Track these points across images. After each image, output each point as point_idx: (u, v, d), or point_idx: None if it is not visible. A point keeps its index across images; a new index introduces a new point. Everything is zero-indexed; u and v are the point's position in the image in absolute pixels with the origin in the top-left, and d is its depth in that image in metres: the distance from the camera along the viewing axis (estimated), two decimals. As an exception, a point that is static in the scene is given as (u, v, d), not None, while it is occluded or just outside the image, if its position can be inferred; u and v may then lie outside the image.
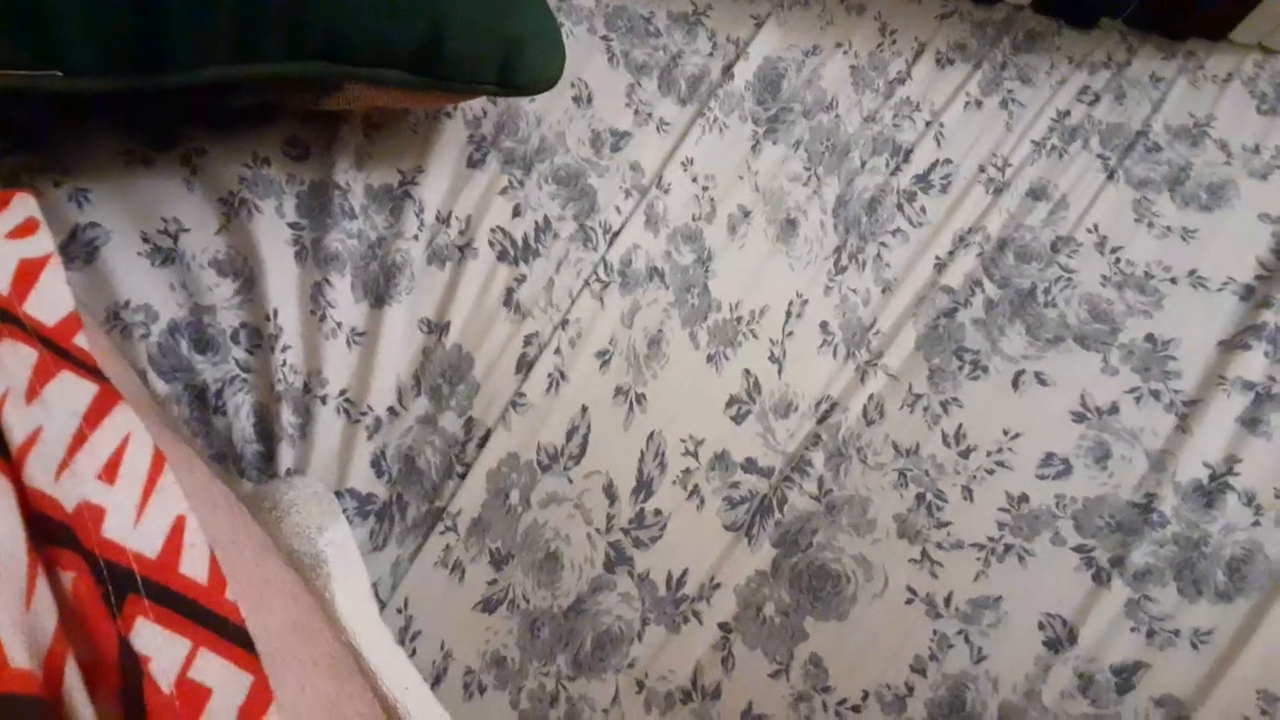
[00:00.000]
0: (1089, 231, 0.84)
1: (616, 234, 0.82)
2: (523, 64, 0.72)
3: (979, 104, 0.93)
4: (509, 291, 0.78)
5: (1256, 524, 0.72)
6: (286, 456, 0.73)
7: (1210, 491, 0.73)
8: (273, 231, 0.76)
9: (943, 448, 0.77)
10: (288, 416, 0.73)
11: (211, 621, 0.41)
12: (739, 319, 0.82)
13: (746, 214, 0.85)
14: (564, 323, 0.78)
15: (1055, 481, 0.75)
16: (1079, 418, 0.77)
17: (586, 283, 0.80)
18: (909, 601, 0.72)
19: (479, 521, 0.74)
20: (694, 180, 0.86)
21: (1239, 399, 0.77)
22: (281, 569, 0.53)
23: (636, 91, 0.89)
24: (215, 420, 0.73)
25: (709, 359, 0.80)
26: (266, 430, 0.73)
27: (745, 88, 0.92)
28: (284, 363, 0.73)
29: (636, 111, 0.88)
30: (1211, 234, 0.84)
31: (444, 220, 0.79)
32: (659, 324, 0.80)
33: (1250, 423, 0.76)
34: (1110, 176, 0.89)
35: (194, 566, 0.42)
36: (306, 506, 0.66)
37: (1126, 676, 0.68)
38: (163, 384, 0.72)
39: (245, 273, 0.75)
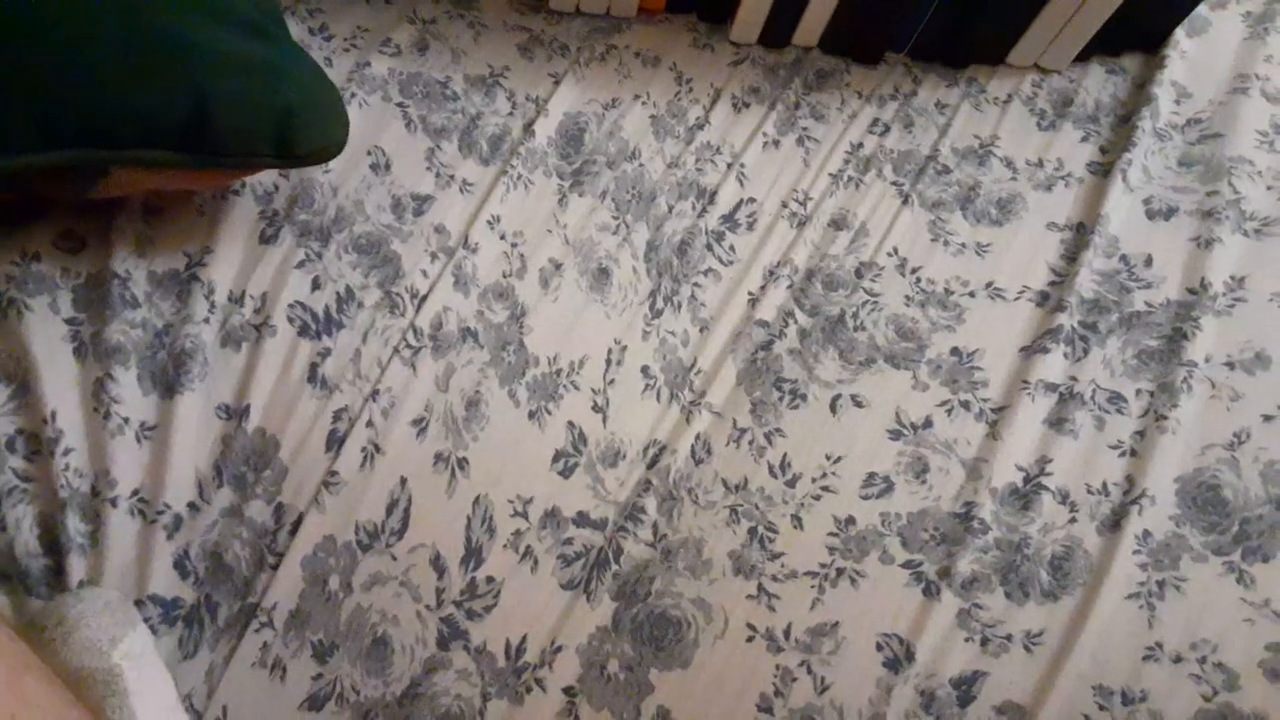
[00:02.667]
0: (889, 255, 0.86)
1: (424, 298, 0.81)
2: (299, 133, 0.70)
3: (776, 143, 0.96)
4: (313, 367, 0.75)
5: (1073, 520, 0.74)
6: (77, 568, 0.68)
7: (1025, 494, 0.75)
8: (46, 329, 0.72)
9: (770, 479, 0.77)
10: (75, 524, 0.68)
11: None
12: (558, 371, 0.80)
13: (558, 266, 0.85)
14: (374, 393, 0.75)
15: (879, 500, 0.75)
16: (895, 435, 0.78)
17: (396, 350, 0.77)
18: (749, 639, 0.71)
19: (297, 614, 0.70)
20: (502, 238, 0.85)
21: (1043, 401, 0.79)
22: (43, 688, 0.48)
23: (437, 155, 0.88)
24: (-6, 537, 0.67)
25: (531, 415, 0.78)
26: (53, 541, 0.68)
27: (548, 144, 0.92)
28: (66, 467, 0.68)
29: (438, 175, 0.87)
30: (1004, 246, 0.87)
31: (237, 300, 0.76)
32: (476, 385, 0.78)
33: (1056, 423, 0.78)
34: (905, 201, 0.92)
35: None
36: (97, 619, 0.61)
37: (966, 688, 0.68)
38: (-70, 504, 0.66)
39: (19, 376, 0.70)
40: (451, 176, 0.88)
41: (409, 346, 0.78)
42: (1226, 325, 0.82)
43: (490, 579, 0.74)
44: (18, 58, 0.60)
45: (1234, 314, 0.83)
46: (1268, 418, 0.76)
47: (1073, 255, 0.88)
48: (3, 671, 0.45)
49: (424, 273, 0.82)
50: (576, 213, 0.89)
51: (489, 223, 0.86)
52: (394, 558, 0.73)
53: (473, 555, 0.74)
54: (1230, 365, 0.80)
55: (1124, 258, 0.88)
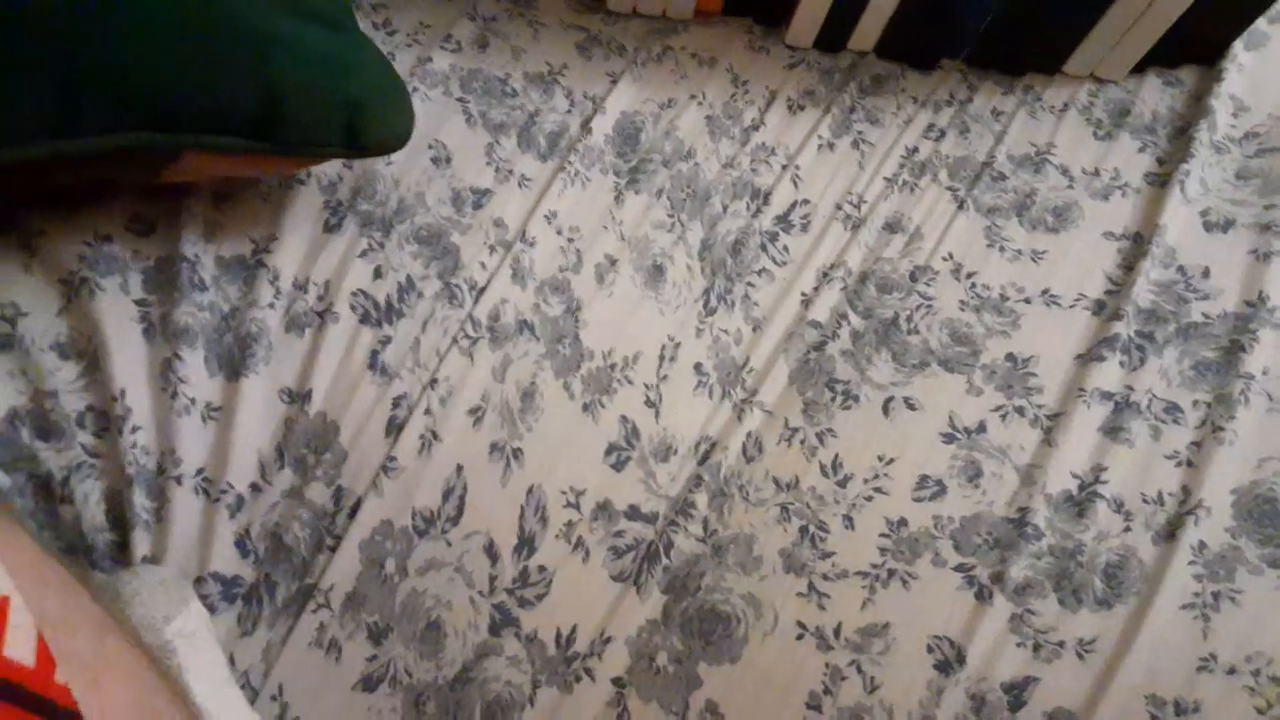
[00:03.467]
0: (944, 260, 0.86)
1: (483, 289, 0.81)
2: (368, 125, 0.71)
3: (831, 146, 0.96)
4: (373, 354, 0.76)
5: (1128, 529, 0.73)
6: (142, 543, 0.69)
7: (1080, 501, 0.75)
8: (117, 309, 0.73)
9: (821, 479, 0.77)
10: (141, 501, 0.69)
11: (39, 705, 0.38)
12: (612, 366, 0.81)
13: (613, 263, 0.85)
14: (433, 382, 0.76)
15: (931, 503, 0.75)
16: (949, 438, 0.78)
17: (454, 340, 0.78)
18: (799, 636, 0.71)
19: (353, 596, 0.71)
20: (559, 233, 0.86)
21: (1099, 409, 0.78)
22: (123, 648, 0.50)
23: (496, 150, 0.89)
24: (63, 510, 0.69)
25: (585, 408, 0.79)
26: (119, 517, 0.70)
27: (605, 141, 0.93)
28: (134, 444, 0.70)
29: (497, 169, 0.88)
30: (1060, 254, 0.86)
31: (301, 287, 0.77)
32: (531, 376, 0.79)
33: (1112, 431, 0.78)
34: (960, 206, 0.92)
35: (19, 649, 0.39)
36: (151, 596, 0.62)
37: (1017, 693, 0.68)
38: (3, 476, 0.68)
39: (89, 354, 0.72)
40: (510, 171, 0.89)
41: (467, 337, 0.79)
42: (1290, 334, 0.81)
43: (542, 568, 0.74)
44: (89, 40, 0.61)
45: (1298, 325, 0.82)
46: None
47: (1130, 265, 0.88)
48: (87, 631, 0.46)
49: (482, 265, 0.83)
50: (632, 210, 0.90)
51: (546, 218, 0.87)
52: (449, 544, 0.74)
53: (525, 544, 0.75)
54: None
55: (1181, 269, 0.88)
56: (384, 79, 0.74)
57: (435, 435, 0.75)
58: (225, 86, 0.66)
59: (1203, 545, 0.73)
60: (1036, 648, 0.70)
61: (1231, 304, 0.83)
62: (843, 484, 0.77)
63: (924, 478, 0.77)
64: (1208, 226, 0.91)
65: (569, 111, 0.95)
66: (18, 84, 0.61)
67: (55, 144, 0.63)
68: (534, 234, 0.86)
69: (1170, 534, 0.73)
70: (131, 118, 0.65)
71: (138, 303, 0.75)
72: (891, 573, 0.73)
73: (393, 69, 0.75)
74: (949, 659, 0.70)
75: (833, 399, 0.81)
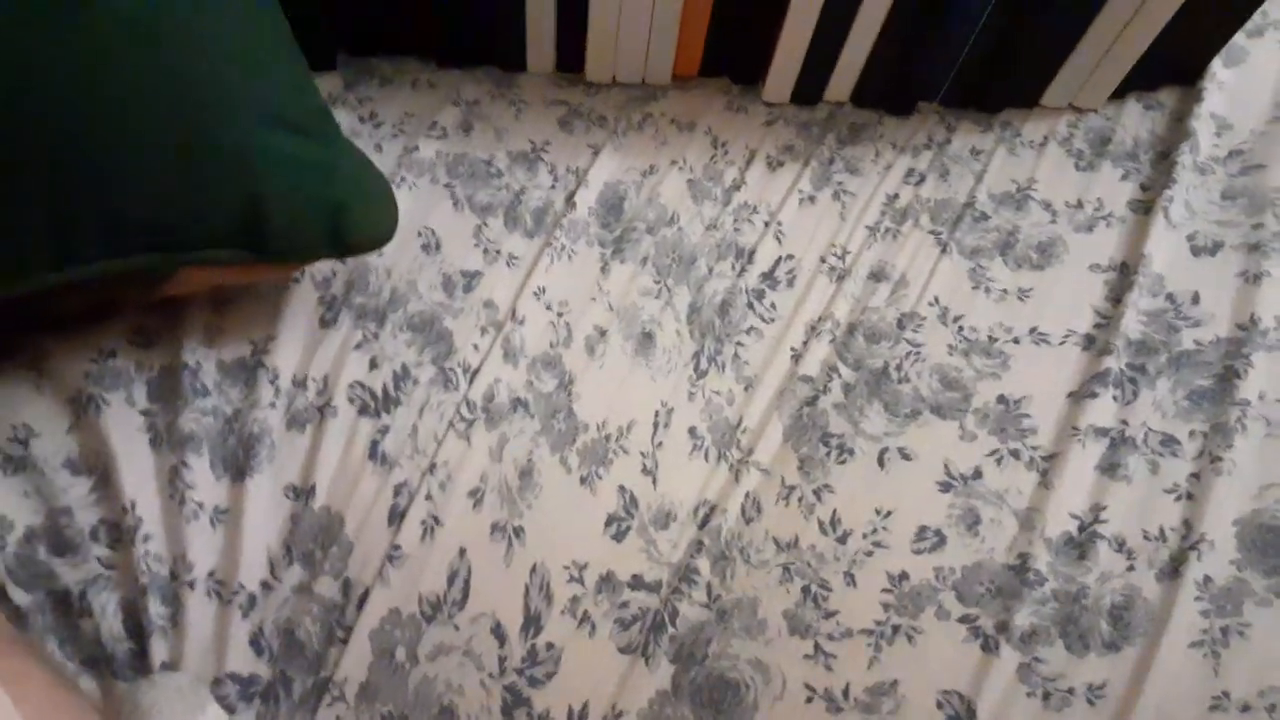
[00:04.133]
0: (930, 305, 0.87)
1: (476, 371, 0.83)
2: (352, 225, 0.74)
3: (812, 199, 0.97)
4: (373, 444, 0.78)
5: (1131, 569, 0.72)
6: (159, 650, 0.71)
7: (1081, 543, 0.74)
8: (124, 422, 0.76)
9: (821, 536, 0.77)
10: (156, 608, 0.71)
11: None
12: (607, 437, 0.82)
13: (603, 333, 0.87)
14: (432, 467, 0.78)
15: (931, 554, 0.75)
16: (945, 487, 0.78)
17: (451, 424, 0.80)
18: (809, 700, 0.72)
19: (367, 686, 0.72)
20: (548, 308, 0.88)
21: (1095, 447, 0.78)
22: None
23: (484, 231, 0.91)
24: (82, 624, 0.71)
25: (582, 481, 0.80)
26: (136, 626, 0.72)
27: (589, 214, 0.94)
28: (146, 553, 0.72)
29: (485, 250, 0.90)
30: (1047, 291, 0.86)
31: (300, 384, 0.80)
32: (528, 454, 0.80)
33: (1109, 469, 0.78)
34: (944, 250, 0.93)
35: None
36: (169, 705, 0.64)
37: (1029, 743, 0.68)
38: (23, 594, 0.70)
39: (99, 468, 0.74)
40: (498, 252, 0.91)
41: (463, 419, 0.80)
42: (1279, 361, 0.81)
43: (550, 645, 0.75)
44: (78, 173, 0.64)
45: (1294, 343, 0.81)
46: None
47: (1118, 296, 0.87)
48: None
49: (475, 347, 0.85)
50: (619, 279, 0.91)
51: (535, 294, 0.88)
52: (456, 627, 0.75)
53: (532, 622, 0.75)
54: None
55: (1170, 296, 0.87)
56: (364, 179, 0.77)
57: (437, 520, 0.77)
58: (212, 204, 0.69)
59: (1208, 580, 0.72)
60: (1046, 696, 0.69)
61: (1223, 329, 0.82)
62: (842, 540, 0.77)
63: (923, 529, 0.77)
64: (1195, 251, 0.90)
65: (553, 187, 0.97)
66: (12, 220, 0.64)
67: (54, 275, 0.66)
68: (524, 312, 0.87)
69: (1174, 570, 0.73)
70: (124, 243, 0.68)
71: (143, 413, 0.77)
72: (896, 629, 0.73)
73: (373, 167, 0.78)
74: (959, 713, 0.70)
75: (828, 454, 0.81)
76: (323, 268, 0.87)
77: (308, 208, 0.72)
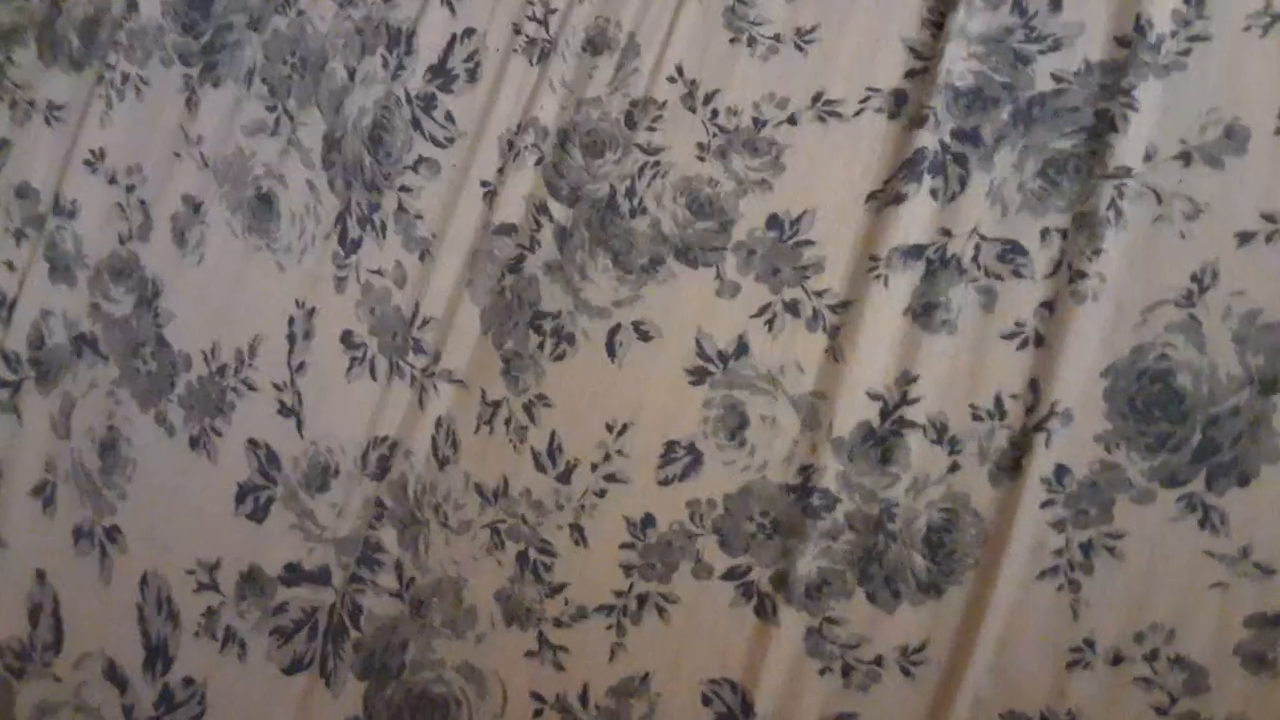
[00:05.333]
0: (672, 81, 0.62)
1: (12, 304, 0.59)
2: None
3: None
4: None
5: (955, 467, 0.53)
6: None
7: (884, 437, 0.54)
8: None
9: (537, 474, 0.58)
10: None
11: None
12: (221, 370, 0.61)
13: (197, 208, 0.64)
14: None
15: (684, 483, 0.56)
16: (698, 376, 0.57)
17: (-16, 397, 0.56)
18: (538, 713, 0.55)
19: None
20: (111, 181, 0.63)
21: (903, 281, 0.55)
22: None
23: (8, 71, 0.62)
24: None
25: (193, 443, 0.60)
26: None
27: (162, 13, 0.65)
28: None
29: (14, 103, 0.63)
30: (837, 28, 0.60)
31: None
32: (107, 418, 0.59)
33: (924, 313, 0.55)
34: (687, -17, 0.63)
35: None
36: None
37: (828, 741, 0.51)
38: None
39: None
40: (31, 102, 0.65)
41: (3, 384, 0.59)
42: (1178, 87, 0.55)
43: (188, 681, 0.58)
44: None
45: (1190, 64, 0.56)
46: (1244, 237, 0.52)
47: (938, 20, 0.59)
48: None
49: (9, 265, 0.60)
50: (213, 114, 0.65)
51: (88, 163, 0.64)
52: (57, 678, 0.58)
53: (157, 654, 0.58)
54: (1184, 157, 0.54)
55: (1019, 5, 0.58)
56: None
57: None
58: None
59: (1062, 472, 0.52)
60: (846, 671, 0.52)
61: (1097, 48, 0.57)
62: (565, 478, 0.58)
63: (671, 445, 0.57)
64: (1055, -72, 0.60)
65: (100, -21, 0.65)
66: None
67: None
68: (74, 194, 0.63)
69: (1015, 463, 0.52)
70: None
71: None
72: (642, 600, 0.56)
73: None
74: (733, 709, 0.53)
75: (541, 344, 0.60)
76: None
77: None
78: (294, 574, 0.59)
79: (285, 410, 0.60)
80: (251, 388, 0.60)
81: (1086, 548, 0.50)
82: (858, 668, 0.52)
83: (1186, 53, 0.56)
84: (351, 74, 0.65)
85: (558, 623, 0.56)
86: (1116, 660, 0.49)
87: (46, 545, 0.58)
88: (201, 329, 0.61)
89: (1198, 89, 0.55)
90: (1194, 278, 0.52)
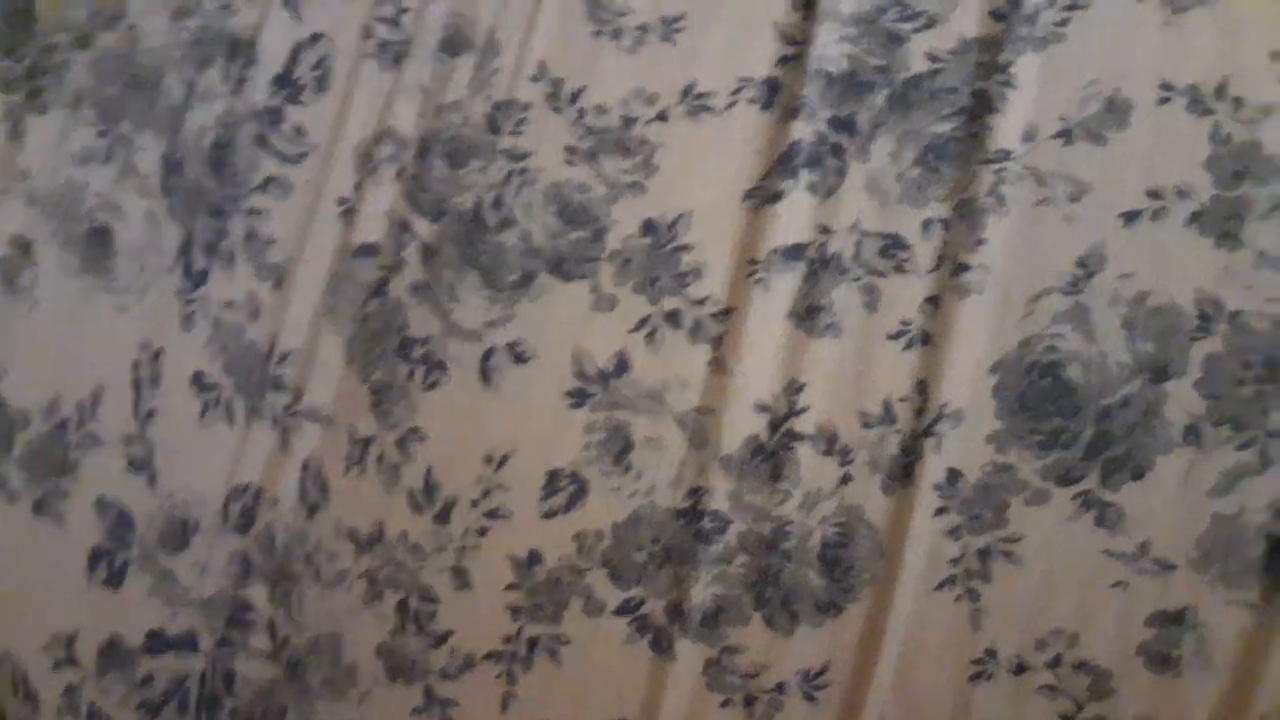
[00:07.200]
0: (534, 80, 0.59)
1: None
2: None
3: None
4: None
5: (847, 479, 0.51)
6: None
7: (773, 451, 0.52)
8: None
9: (413, 516, 0.55)
10: None
11: None
12: (64, 424, 0.56)
13: (26, 248, 0.58)
14: None
15: (569, 514, 0.54)
16: (579, 398, 0.54)
17: None
18: None
19: None
20: None
21: (784, 284, 0.53)
22: None
23: None
24: None
25: (37, 508, 0.55)
26: None
27: (-27, 33, 0.58)
28: None
29: None
30: (707, 13, 0.58)
31: None
32: None
33: (807, 316, 0.53)
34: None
35: None
36: None
37: (735, 782, 0.49)
38: None
39: None
40: None
41: None
42: (1057, 60, 0.54)
43: None
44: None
45: (1068, 35, 0.54)
46: (1129, 216, 0.51)
47: (809, 1, 0.57)
48: None
49: None
50: (39, 144, 0.59)
51: None
52: None
53: None
54: (1065, 135, 0.53)
55: (889, -15, 0.56)
56: None
57: None
58: None
59: (954, 477, 0.50)
60: (749, 701, 0.51)
61: (972, 23, 0.55)
62: (444, 517, 0.55)
63: (553, 475, 0.55)
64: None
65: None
66: None
67: None
68: None
69: (906, 470, 0.49)
70: None
71: None
72: (533, 644, 0.54)
73: None
74: None
75: (410, 374, 0.57)
76: None
77: None
78: (157, 642, 0.55)
79: (135, 464, 0.56)
80: (99, 441, 0.56)
81: (983, 554, 0.49)
82: (760, 698, 0.50)
83: (1064, 23, 0.54)
84: (190, 89, 0.60)
85: (444, 674, 0.53)
86: (1020, 669, 0.48)
87: None
88: (39, 382, 0.56)
89: (1077, 61, 0.54)
90: (1080, 263, 0.51)
